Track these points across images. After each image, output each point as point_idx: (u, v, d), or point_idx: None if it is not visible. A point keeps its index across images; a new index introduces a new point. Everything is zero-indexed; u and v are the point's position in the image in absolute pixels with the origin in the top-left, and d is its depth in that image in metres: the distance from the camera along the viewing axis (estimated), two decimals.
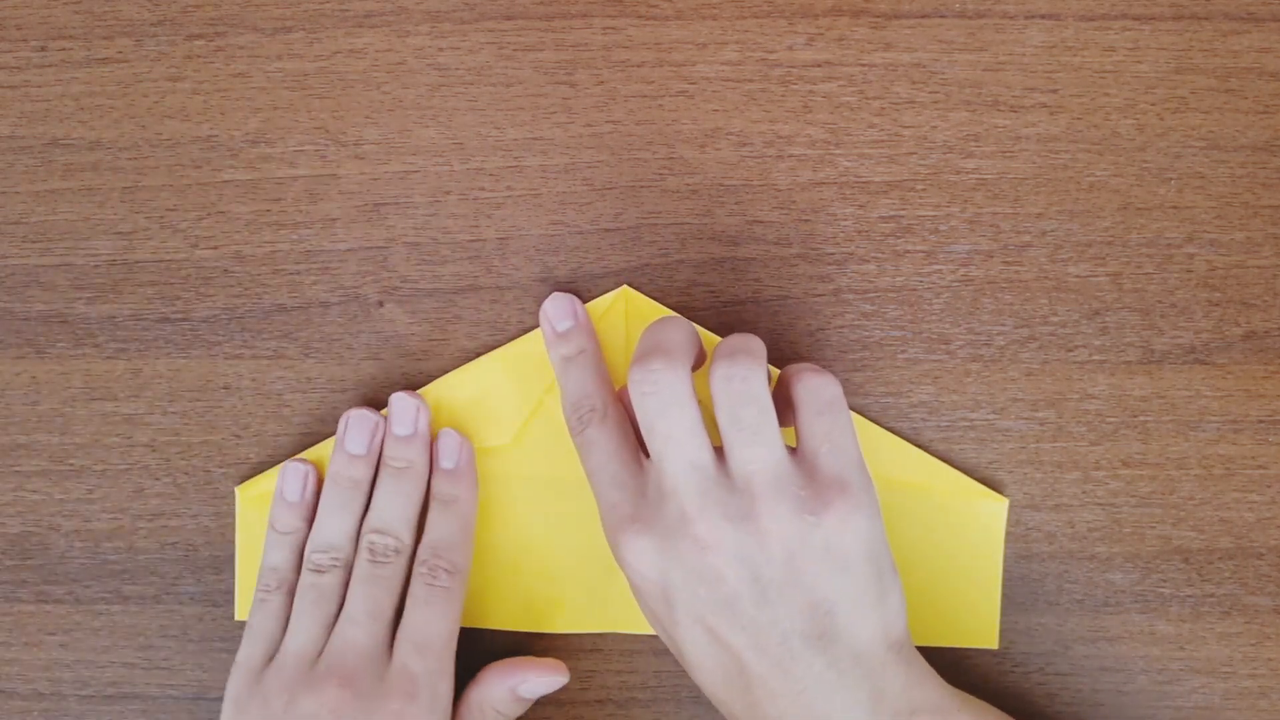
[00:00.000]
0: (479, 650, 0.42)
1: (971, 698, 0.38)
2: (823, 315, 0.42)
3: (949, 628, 0.42)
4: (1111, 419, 0.42)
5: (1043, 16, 0.42)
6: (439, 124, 0.42)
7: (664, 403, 0.35)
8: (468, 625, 0.42)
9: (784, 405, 0.37)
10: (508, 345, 0.42)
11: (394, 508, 0.40)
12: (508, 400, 0.42)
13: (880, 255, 0.42)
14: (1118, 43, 0.42)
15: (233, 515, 0.42)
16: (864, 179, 0.42)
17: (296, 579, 0.40)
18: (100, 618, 0.42)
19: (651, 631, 0.41)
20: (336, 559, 0.39)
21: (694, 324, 0.39)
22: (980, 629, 0.42)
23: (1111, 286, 0.42)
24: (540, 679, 0.40)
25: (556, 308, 0.41)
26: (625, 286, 0.42)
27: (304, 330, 0.42)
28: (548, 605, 0.42)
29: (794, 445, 0.37)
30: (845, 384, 0.42)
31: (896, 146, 0.42)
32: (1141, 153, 0.42)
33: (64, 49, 0.42)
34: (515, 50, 0.42)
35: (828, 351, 0.42)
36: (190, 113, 0.42)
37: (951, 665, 0.42)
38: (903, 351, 0.42)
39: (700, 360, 0.38)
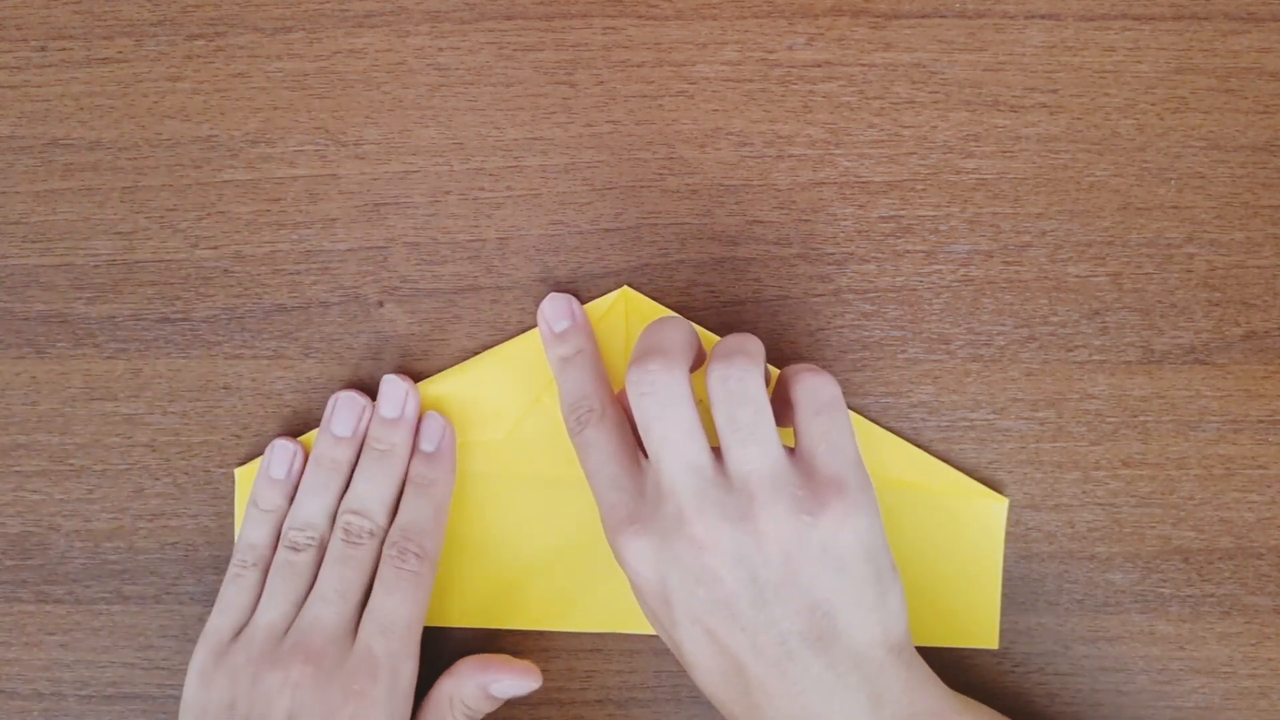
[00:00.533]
0: (455, 644, 0.42)
1: (972, 701, 0.38)
2: (823, 315, 0.42)
3: (949, 628, 0.42)
4: (1111, 419, 0.42)
5: (1043, 16, 0.42)
6: (439, 124, 0.42)
7: (661, 403, 0.35)
8: (462, 624, 0.42)
9: (783, 406, 0.37)
10: (506, 343, 0.42)
11: (372, 490, 0.40)
12: (503, 397, 0.42)
13: (880, 255, 0.42)
14: (1118, 43, 0.42)
15: (233, 515, 0.42)
16: (864, 179, 0.42)
17: (273, 557, 0.40)
18: (100, 618, 0.42)
19: (651, 631, 0.41)
20: (312, 538, 0.40)
21: (693, 324, 0.39)
22: (980, 629, 0.42)
23: (1111, 286, 0.42)
24: (513, 680, 0.40)
25: (554, 308, 0.41)
26: (625, 287, 0.42)
27: (304, 330, 0.42)
28: (544, 604, 0.42)
29: (793, 446, 0.37)
30: (845, 384, 0.42)
31: (896, 146, 0.42)
32: (1141, 153, 0.42)
33: (64, 49, 0.42)
34: (515, 50, 0.42)
35: (828, 351, 0.42)
36: (190, 113, 0.42)
37: (951, 665, 0.42)
38: (903, 351, 0.42)
39: (699, 360, 0.38)
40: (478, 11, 0.42)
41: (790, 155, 0.42)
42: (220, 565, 0.42)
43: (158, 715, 0.42)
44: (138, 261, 0.42)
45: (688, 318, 0.41)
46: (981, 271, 0.42)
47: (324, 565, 0.39)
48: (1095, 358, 0.42)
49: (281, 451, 0.41)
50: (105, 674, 0.42)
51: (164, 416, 0.42)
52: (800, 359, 0.42)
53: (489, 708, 0.40)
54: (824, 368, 0.41)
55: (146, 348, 0.42)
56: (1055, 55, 0.42)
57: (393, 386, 0.41)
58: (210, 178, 0.42)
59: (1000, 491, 0.42)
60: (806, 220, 0.42)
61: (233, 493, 0.42)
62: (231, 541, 0.42)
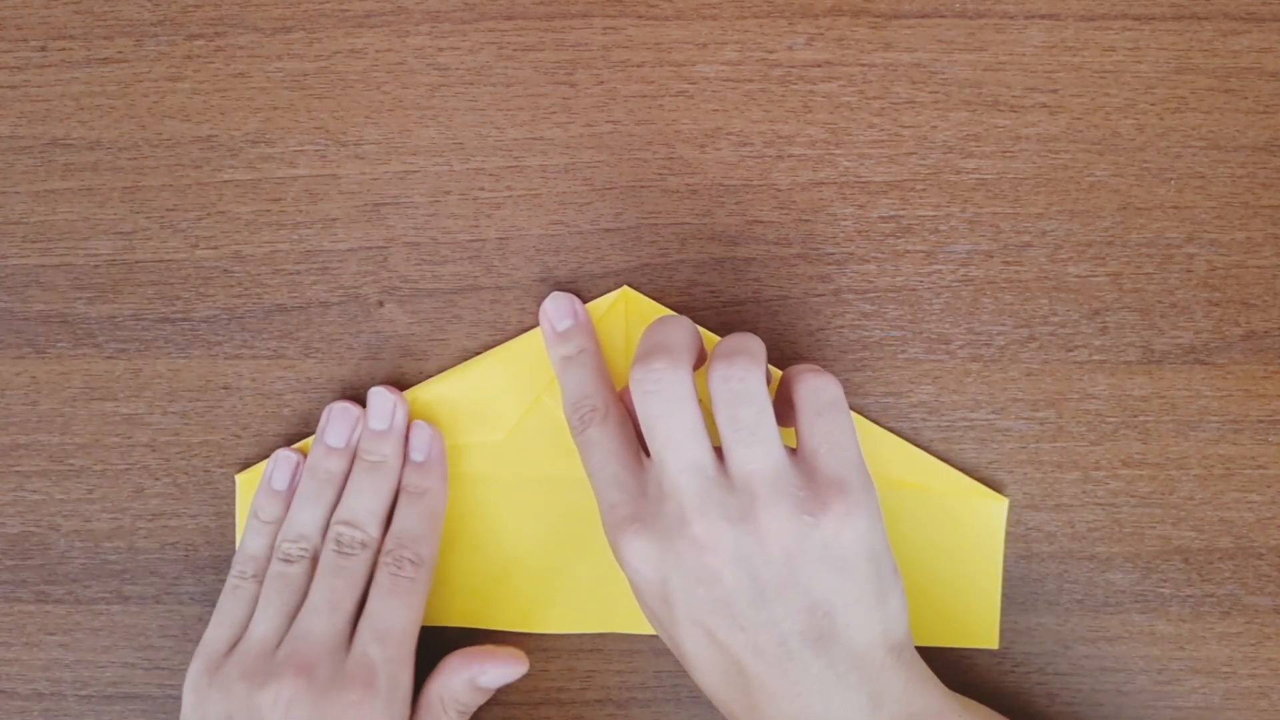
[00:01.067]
0: (444, 643, 0.42)
1: (971, 702, 0.38)
2: (823, 315, 0.42)
3: (949, 628, 0.42)
4: (1111, 419, 0.42)
5: (1043, 16, 0.42)
6: (439, 124, 0.42)
7: (666, 402, 0.35)
8: (464, 625, 0.42)
9: (785, 406, 0.37)
10: (506, 344, 0.42)
11: (364, 501, 0.40)
12: (504, 397, 0.42)
13: (880, 255, 0.42)
14: (1118, 43, 0.42)
15: (233, 515, 0.42)
16: (864, 179, 0.42)
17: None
18: (100, 618, 0.42)
19: (651, 631, 0.41)
20: (305, 549, 0.40)
21: (695, 324, 0.39)
22: (980, 629, 0.42)
23: (1111, 286, 0.42)
24: (499, 669, 0.40)
25: (556, 307, 0.41)
26: (625, 287, 0.42)
27: (304, 330, 0.42)
28: (544, 605, 0.42)
29: (794, 446, 0.37)
30: (845, 384, 0.42)
31: (896, 146, 0.42)
32: (1141, 153, 0.42)
33: (64, 49, 0.42)
34: (515, 50, 0.42)
35: (828, 351, 0.42)
36: (190, 113, 0.42)
37: (951, 665, 0.42)
38: (903, 351, 0.42)
39: (701, 359, 0.38)
40: (478, 11, 0.42)
41: (790, 155, 0.42)
42: (221, 566, 0.42)
43: (158, 715, 0.42)
44: (138, 261, 0.42)
45: (688, 318, 0.41)
46: (981, 271, 0.42)
47: (316, 577, 0.39)
48: (1095, 358, 0.42)
49: (284, 462, 0.41)
50: (105, 674, 0.42)
51: (164, 416, 0.42)
52: (800, 359, 0.42)
53: (480, 700, 0.40)
54: (824, 368, 0.41)
55: (146, 348, 0.42)
56: (1055, 55, 0.42)
57: (380, 398, 0.41)
58: (210, 178, 0.42)
59: (1000, 491, 0.42)
60: (806, 220, 0.42)
61: (233, 493, 0.42)
62: (232, 543, 0.42)
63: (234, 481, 0.42)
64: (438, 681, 0.39)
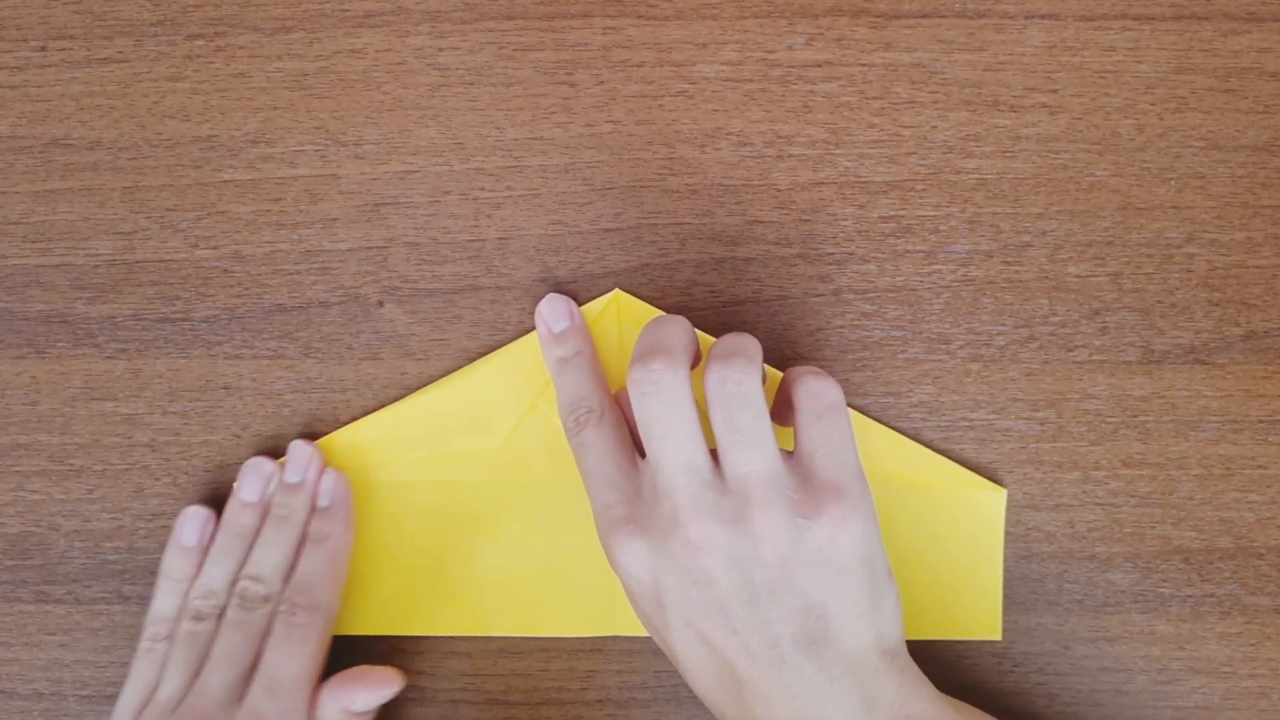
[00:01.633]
0: (454, 644, 0.42)
1: (966, 706, 0.37)
2: (823, 315, 0.42)
3: (952, 620, 0.42)
4: (1111, 419, 0.42)
5: (1043, 16, 0.42)
6: (439, 124, 0.42)
7: (663, 403, 0.35)
8: (462, 632, 0.42)
9: (785, 407, 0.37)
10: (502, 349, 0.42)
11: (270, 555, 0.40)
12: (500, 403, 0.42)
13: (880, 255, 0.42)
14: (1118, 43, 0.42)
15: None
16: (864, 179, 0.42)
17: None
18: (100, 618, 0.42)
19: (648, 633, 0.41)
20: (215, 606, 0.39)
21: (691, 324, 0.39)
22: (983, 621, 0.42)
23: (1111, 286, 0.42)
24: (370, 692, 0.39)
25: (552, 309, 0.41)
26: (617, 290, 0.42)
27: (304, 330, 0.42)
28: (544, 610, 0.42)
29: (792, 448, 0.37)
30: (845, 384, 0.42)
31: (896, 146, 0.42)
32: (1141, 153, 0.42)
33: (64, 49, 0.42)
34: (515, 50, 0.42)
35: (828, 351, 0.42)
36: (190, 113, 0.42)
37: (951, 665, 0.42)
38: (903, 351, 0.42)
39: (697, 360, 0.38)
40: (478, 11, 0.42)
41: (790, 155, 0.42)
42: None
43: None
44: (138, 261, 0.42)
45: (687, 318, 0.41)
46: (981, 271, 0.42)
47: (218, 632, 0.39)
48: (1095, 358, 0.42)
49: (193, 519, 0.41)
50: (105, 674, 0.42)
51: (164, 416, 0.42)
52: (800, 359, 0.42)
53: None
54: (824, 368, 0.41)
55: (146, 348, 0.42)
56: (1055, 55, 0.42)
57: (298, 451, 0.41)
58: (210, 178, 0.42)
59: None
60: (806, 220, 0.42)
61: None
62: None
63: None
64: (314, 716, 0.39)
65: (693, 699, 0.42)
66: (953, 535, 0.42)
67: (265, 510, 0.41)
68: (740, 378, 0.35)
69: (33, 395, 0.42)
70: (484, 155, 0.42)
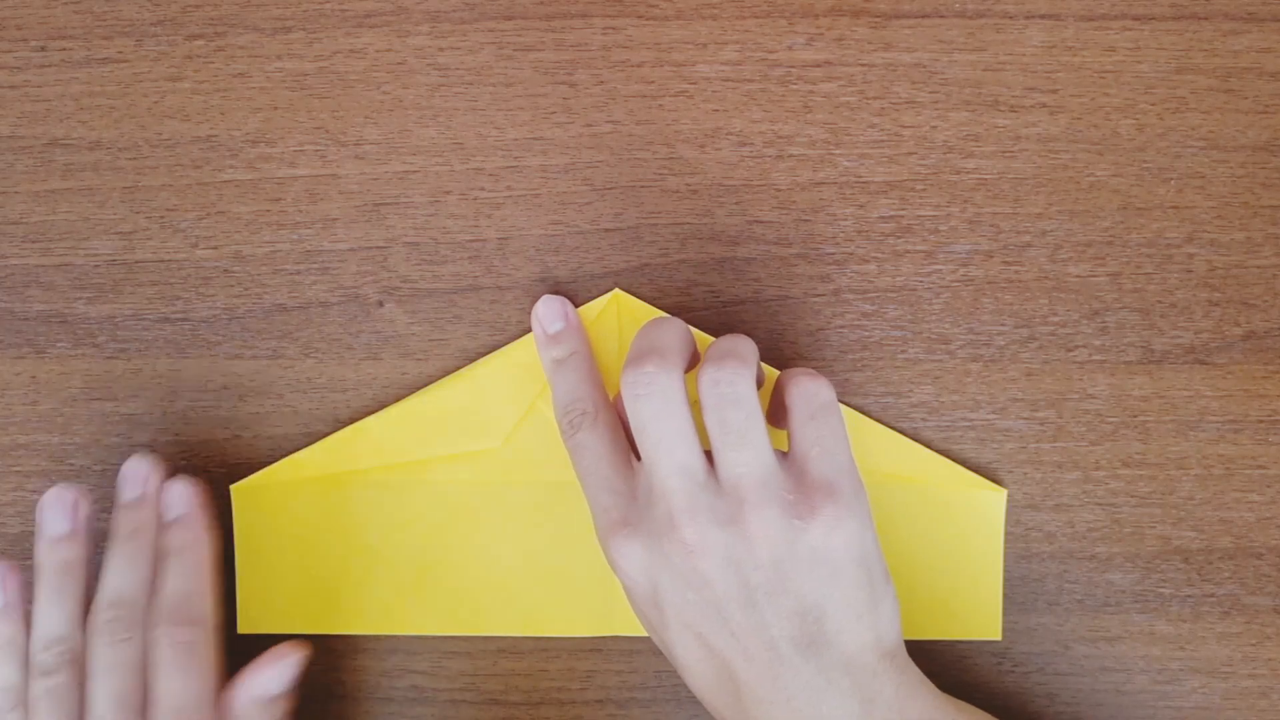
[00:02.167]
0: (452, 645, 0.42)
1: (966, 706, 0.37)
2: (823, 315, 0.42)
3: (952, 620, 0.42)
4: (1111, 419, 0.42)
5: (1043, 16, 0.42)
6: (439, 124, 0.42)
7: (656, 405, 0.35)
8: (463, 632, 0.42)
9: (780, 409, 0.37)
10: (501, 350, 0.42)
11: (127, 579, 0.37)
12: (499, 404, 0.42)
13: (880, 255, 0.42)
14: (1118, 43, 0.42)
15: (232, 523, 0.42)
16: (864, 179, 0.42)
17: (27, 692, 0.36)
18: None
19: (648, 633, 0.41)
20: (64, 653, 0.36)
21: (688, 325, 0.39)
22: (983, 621, 0.42)
23: (1111, 286, 0.42)
24: (274, 673, 0.37)
25: (548, 310, 0.41)
26: (617, 290, 0.42)
27: (304, 330, 0.42)
28: (545, 610, 0.42)
29: (786, 449, 0.37)
30: (845, 384, 0.42)
31: (896, 146, 0.42)
32: (1141, 153, 0.42)
33: (64, 49, 0.42)
34: (515, 50, 0.42)
35: (828, 351, 0.42)
36: (190, 113, 0.42)
37: (952, 665, 0.42)
38: (903, 351, 0.42)
39: (694, 361, 0.38)
40: (478, 11, 0.42)
41: (790, 155, 0.42)
42: (221, 566, 0.42)
43: None
44: (138, 261, 0.42)
45: (687, 318, 0.41)
46: (981, 271, 0.42)
47: (89, 682, 0.35)
48: (1095, 358, 0.42)
49: None
50: None
51: (164, 416, 0.42)
52: (800, 359, 0.42)
53: (278, 709, 0.38)
54: (824, 368, 0.41)
55: (146, 348, 0.42)
56: (1055, 55, 0.42)
57: (133, 468, 0.39)
58: (210, 178, 0.42)
59: None
60: (806, 220, 0.42)
61: (231, 494, 0.42)
62: (231, 544, 0.42)
63: (233, 482, 0.42)
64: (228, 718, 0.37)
65: (692, 699, 0.42)
66: (953, 535, 0.42)
67: (81, 539, 0.38)
68: (733, 379, 0.35)
69: (33, 395, 0.42)
70: (484, 155, 0.42)
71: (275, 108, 0.42)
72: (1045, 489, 0.42)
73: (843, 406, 0.40)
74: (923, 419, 0.42)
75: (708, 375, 0.35)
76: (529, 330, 0.42)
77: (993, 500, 0.42)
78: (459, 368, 0.42)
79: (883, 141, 0.42)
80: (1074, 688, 0.42)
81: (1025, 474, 0.42)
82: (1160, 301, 0.42)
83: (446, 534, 0.42)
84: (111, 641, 0.36)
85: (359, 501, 0.42)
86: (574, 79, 0.42)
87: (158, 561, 0.38)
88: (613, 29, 0.42)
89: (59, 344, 0.42)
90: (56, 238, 0.42)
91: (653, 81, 0.42)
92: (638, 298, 0.42)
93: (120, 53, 0.42)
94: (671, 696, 0.42)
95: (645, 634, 0.42)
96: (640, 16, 0.42)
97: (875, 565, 0.36)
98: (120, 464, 0.42)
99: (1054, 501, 0.42)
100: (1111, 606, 0.42)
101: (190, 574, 0.38)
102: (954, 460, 0.42)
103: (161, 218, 0.42)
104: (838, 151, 0.42)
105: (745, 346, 0.36)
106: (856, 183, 0.42)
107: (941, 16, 0.42)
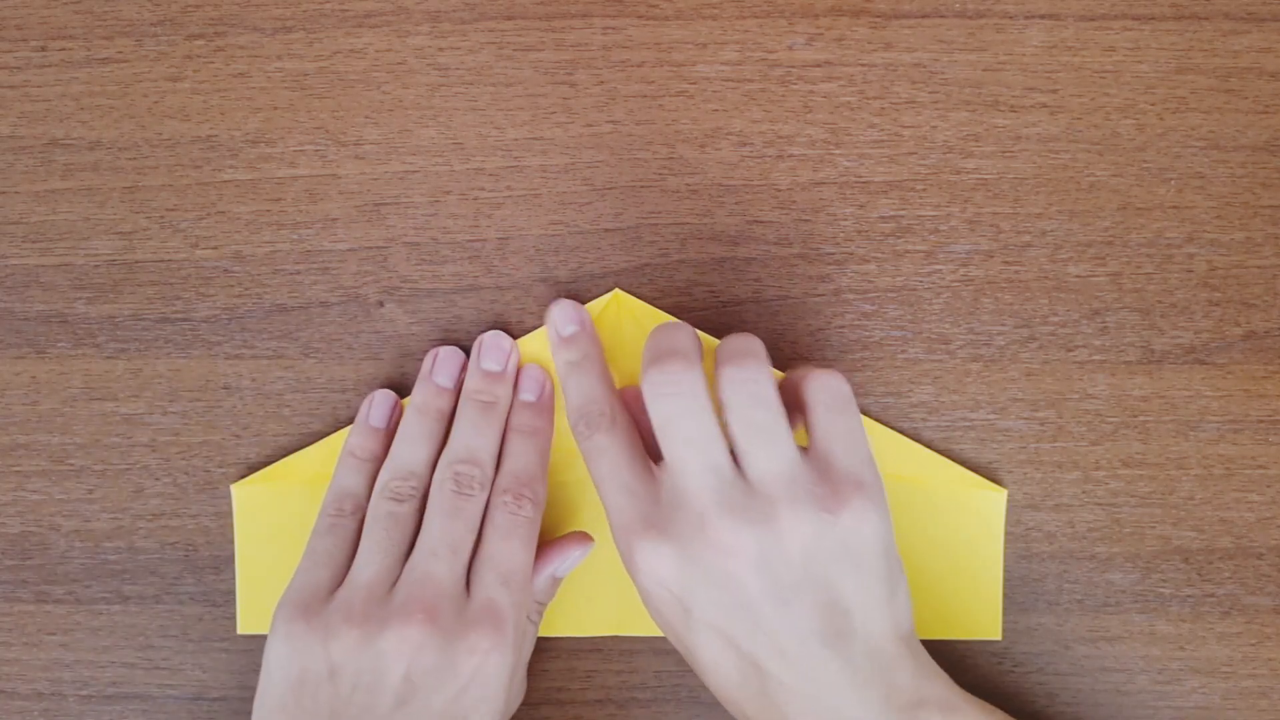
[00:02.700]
0: None
1: (973, 696, 0.38)
2: (823, 315, 0.42)
3: (953, 621, 0.42)
4: (1111, 419, 0.42)
5: (1043, 16, 0.42)
6: (439, 124, 0.42)
7: (684, 404, 0.35)
8: None
9: (793, 406, 0.37)
10: None
11: (480, 440, 0.39)
12: None
13: (880, 255, 0.42)
14: (1118, 43, 0.42)
15: (232, 520, 0.42)
16: (864, 179, 0.42)
17: (366, 508, 0.39)
18: (100, 618, 0.42)
19: (651, 633, 0.41)
20: (415, 488, 0.38)
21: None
22: (983, 621, 0.42)
23: (1111, 286, 0.42)
24: (574, 553, 0.40)
25: (562, 313, 0.41)
26: (617, 290, 0.42)
27: (304, 330, 0.42)
28: (548, 610, 0.42)
29: (802, 445, 0.37)
30: None
31: (896, 146, 0.42)
32: (1141, 153, 0.42)
33: (64, 49, 0.42)
34: (515, 50, 0.42)
35: (828, 352, 0.42)
36: (190, 113, 0.42)
37: (953, 665, 0.42)
38: (903, 351, 0.42)
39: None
40: (478, 11, 0.42)
41: (790, 155, 0.42)
42: (220, 565, 0.42)
43: (157, 715, 0.42)
44: (138, 261, 0.42)
45: (687, 318, 0.41)
46: (981, 271, 0.42)
47: (429, 517, 0.38)
48: (1095, 358, 0.42)
49: (383, 400, 0.41)
50: (105, 674, 0.42)
51: (164, 416, 0.42)
52: (801, 359, 0.42)
53: (555, 591, 0.40)
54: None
55: (146, 348, 0.42)
56: (1055, 55, 0.42)
57: (495, 340, 0.41)
58: (210, 178, 0.42)
59: None
60: (806, 220, 0.42)
61: (231, 494, 0.42)
62: (231, 545, 0.42)
63: (234, 481, 0.42)
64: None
65: (693, 699, 0.42)
66: (953, 535, 0.42)
67: (455, 396, 0.40)
68: (756, 377, 0.35)
69: (33, 395, 0.42)
70: (484, 155, 0.42)
71: (275, 108, 0.42)
72: (1045, 489, 0.42)
73: None
74: (923, 419, 0.42)
75: (728, 375, 0.35)
76: (529, 330, 0.42)
77: (993, 500, 0.42)
78: None
79: (883, 141, 0.42)
80: (1074, 688, 0.42)
81: (1025, 474, 0.42)
82: (1160, 301, 0.42)
83: None
84: (458, 491, 0.38)
85: None
86: (574, 79, 0.42)
87: (506, 434, 0.40)
88: (613, 29, 0.42)
89: (59, 344, 0.42)
90: (56, 238, 0.42)
91: (653, 81, 0.42)
92: (638, 298, 0.42)
93: (120, 53, 0.42)
94: (671, 696, 0.42)
95: (645, 634, 0.42)
96: (640, 16, 0.42)
97: (894, 554, 0.36)
98: (120, 464, 0.42)
99: (1054, 501, 0.42)
100: (1111, 606, 0.42)
101: (535, 456, 0.40)
102: (954, 460, 0.42)
103: (161, 218, 0.42)
104: (838, 151, 0.42)
105: (759, 345, 0.36)
106: (856, 183, 0.42)
107: (941, 16, 0.42)
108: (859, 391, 0.42)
